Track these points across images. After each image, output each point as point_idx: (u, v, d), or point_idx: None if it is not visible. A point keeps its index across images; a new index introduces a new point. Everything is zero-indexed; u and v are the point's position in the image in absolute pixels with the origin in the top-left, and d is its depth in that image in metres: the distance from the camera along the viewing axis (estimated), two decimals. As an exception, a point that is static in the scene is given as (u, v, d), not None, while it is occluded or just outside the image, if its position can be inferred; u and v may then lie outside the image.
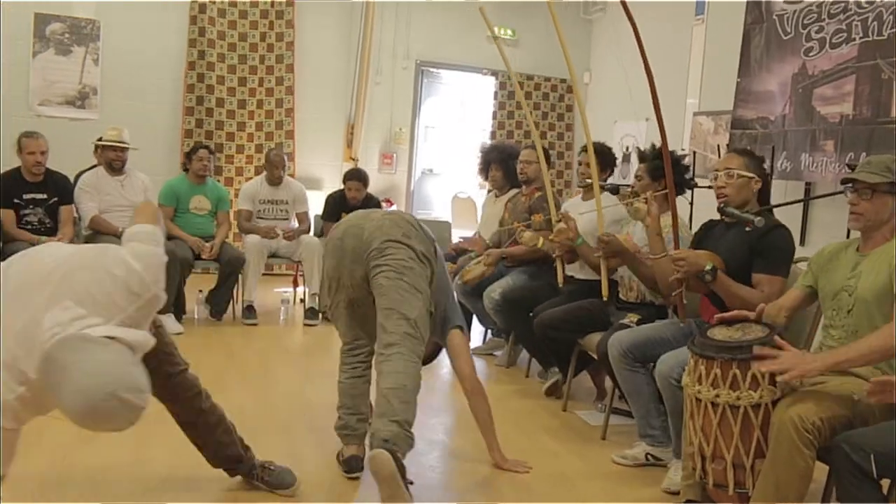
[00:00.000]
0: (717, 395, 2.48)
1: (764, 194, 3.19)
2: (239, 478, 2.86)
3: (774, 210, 3.27)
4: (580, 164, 4.52)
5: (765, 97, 5.99)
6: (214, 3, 7.60)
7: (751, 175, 3.09)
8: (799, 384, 2.51)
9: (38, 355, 1.81)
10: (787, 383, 2.45)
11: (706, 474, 2.59)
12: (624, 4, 3.44)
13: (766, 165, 3.63)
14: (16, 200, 4.91)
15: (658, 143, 3.74)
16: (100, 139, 5.98)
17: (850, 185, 2.63)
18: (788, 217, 4.41)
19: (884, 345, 2.36)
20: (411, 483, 2.73)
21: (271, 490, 2.82)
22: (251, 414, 3.75)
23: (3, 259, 4.49)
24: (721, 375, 2.48)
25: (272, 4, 7.77)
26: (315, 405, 3.96)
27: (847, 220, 2.69)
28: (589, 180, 4.29)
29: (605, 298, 3.78)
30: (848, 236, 3.72)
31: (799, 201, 3.21)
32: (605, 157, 4.45)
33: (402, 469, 2.63)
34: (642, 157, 3.88)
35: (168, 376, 2.58)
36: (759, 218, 2.95)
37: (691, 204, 4.83)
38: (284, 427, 3.62)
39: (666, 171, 3.28)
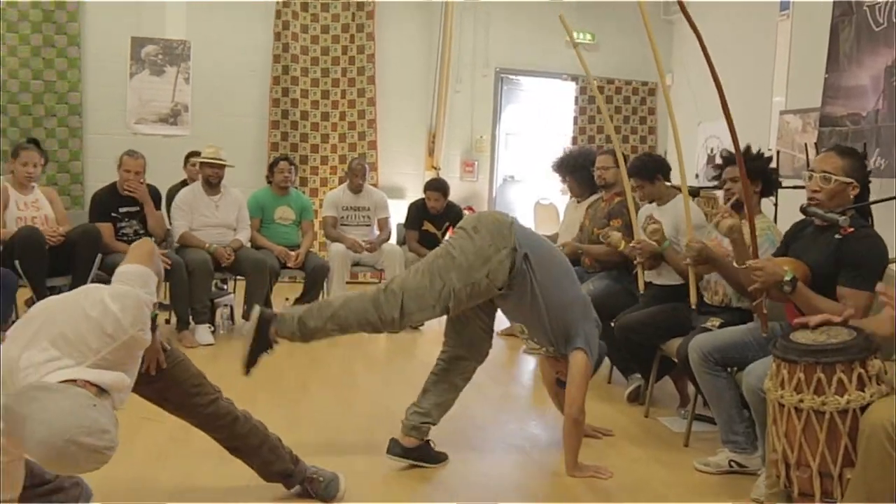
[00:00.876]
0: (801, 400, 2.40)
1: (862, 200, 3.00)
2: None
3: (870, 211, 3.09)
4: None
5: (855, 92, 5.78)
6: (297, 19, 7.82)
7: (849, 180, 2.91)
8: (892, 387, 2.41)
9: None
10: (881, 387, 2.35)
11: (791, 483, 2.50)
12: (682, 6, 3.36)
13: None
14: (112, 214, 5.17)
15: (749, 145, 3.65)
16: (192, 153, 6.24)
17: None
18: (883, 219, 4.25)
19: None
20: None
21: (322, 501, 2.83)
22: (333, 417, 3.84)
23: (103, 269, 4.73)
24: (805, 380, 2.40)
25: (353, 18, 7.94)
26: (395, 410, 4.01)
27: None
28: (668, 184, 4.23)
29: (693, 306, 3.70)
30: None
31: (880, 201, 3.04)
32: (659, 165, 4.37)
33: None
34: (728, 159, 3.76)
35: (198, 408, 2.58)
36: (843, 217, 2.84)
37: (776, 205, 4.69)
38: (366, 429, 3.69)
39: (741, 175, 3.18)
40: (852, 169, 2.94)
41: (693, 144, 7.65)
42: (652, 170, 4.31)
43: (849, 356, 2.35)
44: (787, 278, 2.81)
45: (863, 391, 2.35)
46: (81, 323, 1.97)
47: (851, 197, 2.94)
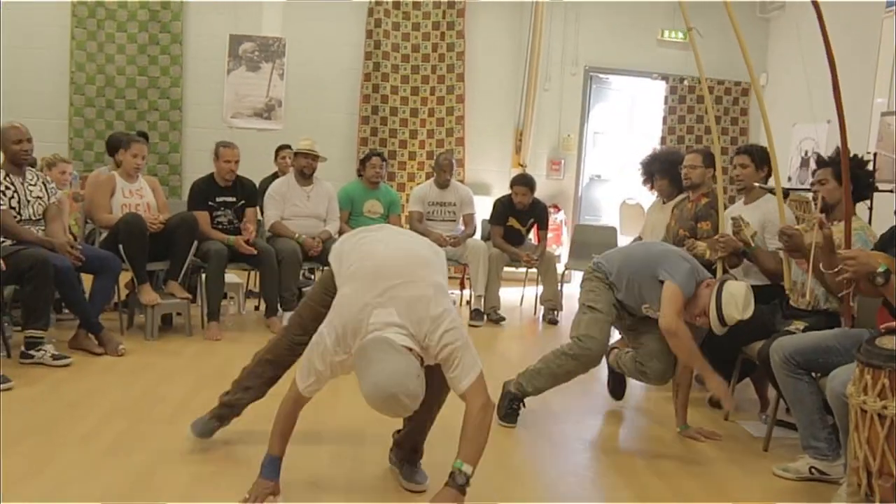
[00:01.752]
0: (885, 407, 2.36)
1: None
2: None
3: None
4: (734, 166, 4.35)
5: (963, 93, 5.52)
6: (389, 17, 7.98)
7: None
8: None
9: (359, 341, 2.37)
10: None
11: (872, 491, 2.46)
12: (815, 4, 3.29)
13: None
14: (209, 203, 5.41)
15: (832, 149, 3.58)
16: (282, 146, 6.46)
17: None
18: None
19: None
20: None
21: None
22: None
23: (199, 255, 4.95)
24: (889, 386, 2.36)
25: (443, 16, 8.04)
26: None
27: None
28: (756, 184, 4.15)
29: (787, 291, 3.65)
30: None
31: None
32: (760, 156, 4.26)
33: None
34: (822, 161, 3.70)
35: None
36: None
37: (870, 209, 4.54)
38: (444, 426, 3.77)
39: (843, 174, 3.12)
40: None
41: (786, 146, 7.44)
42: (764, 156, 4.23)
43: (936, 363, 2.30)
44: (881, 269, 2.74)
45: (950, 399, 2.30)
46: (423, 307, 2.41)
47: None
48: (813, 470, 3.22)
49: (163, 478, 2.90)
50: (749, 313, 3.37)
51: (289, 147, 6.46)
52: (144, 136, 5.68)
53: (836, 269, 3.05)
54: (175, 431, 3.30)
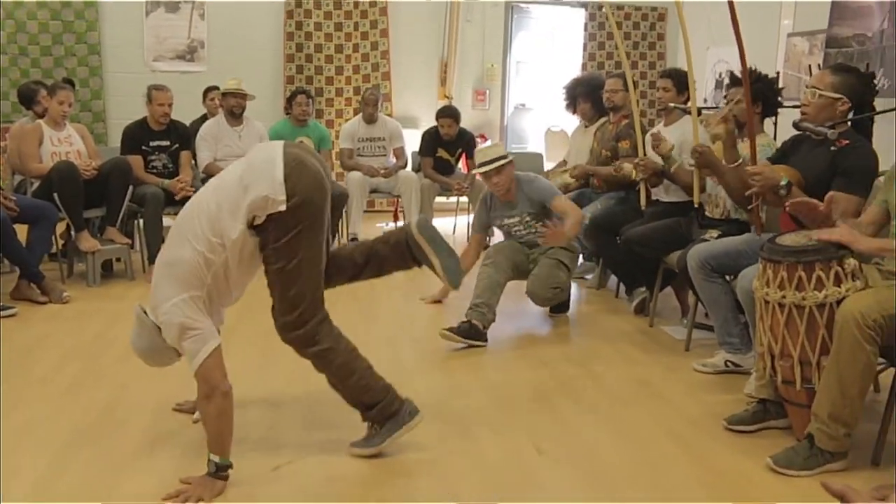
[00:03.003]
0: (784, 297, 2.65)
1: (863, 113, 3.14)
2: None
3: (873, 126, 3.24)
4: (657, 89, 4.60)
5: (862, 12, 5.86)
6: (309, -49, 7.89)
7: (836, 96, 3.05)
8: (866, 283, 2.64)
9: None
10: (856, 283, 2.59)
11: (775, 372, 2.77)
12: None
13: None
14: (143, 147, 5.41)
15: (754, 67, 3.81)
16: (210, 88, 6.45)
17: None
18: (884, 134, 4.41)
19: None
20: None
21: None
22: (361, 330, 4.12)
23: (134, 200, 4.97)
24: (787, 278, 2.64)
25: (363, -51, 7.99)
26: (417, 321, 4.33)
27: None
28: (672, 105, 4.40)
29: (696, 205, 3.94)
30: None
31: (869, 115, 3.21)
32: (681, 81, 4.50)
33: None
34: (735, 80, 3.92)
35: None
36: (832, 131, 3.04)
37: (775, 125, 4.85)
38: (389, 340, 3.99)
39: (744, 89, 3.36)
40: (843, 86, 3.08)
41: (702, 69, 7.73)
42: (685, 81, 4.45)
43: (827, 255, 2.59)
44: (783, 182, 3.02)
45: (839, 287, 2.60)
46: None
47: (840, 111, 3.10)
48: (728, 363, 3.56)
49: (126, 409, 3.05)
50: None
51: (216, 88, 6.44)
52: (70, 82, 5.61)
53: (736, 164, 3.35)
54: (131, 368, 3.42)
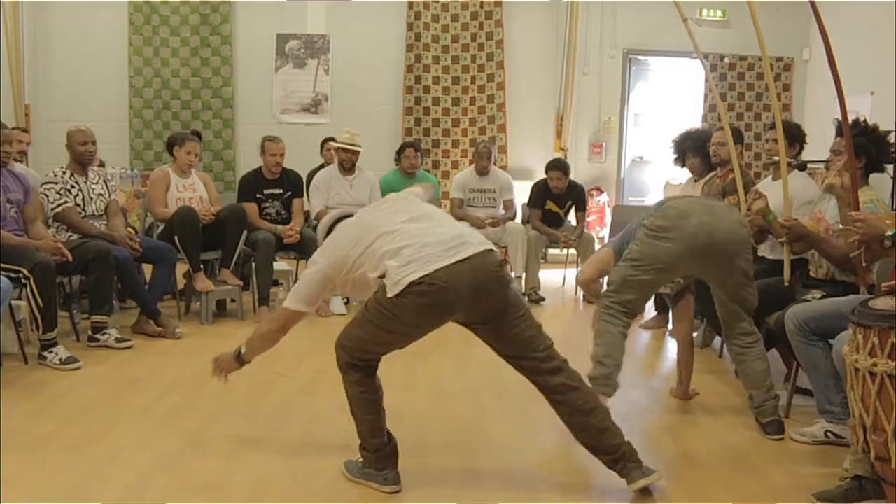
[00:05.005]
0: (875, 364, 2.47)
1: None
2: None
3: None
4: (766, 141, 4.44)
5: None
6: (428, 9, 8.18)
7: None
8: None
9: None
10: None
11: (868, 447, 2.57)
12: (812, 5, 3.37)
13: None
14: (257, 195, 5.71)
15: (881, 119, 3.66)
16: (327, 139, 6.74)
17: None
18: None
19: None
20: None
21: None
22: (448, 379, 4.15)
23: (248, 244, 5.24)
24: (879, 344, 2.46)
25: (482, 6, 8.20)
26: (505, 373, 4.28)
27: None
28: (776, 157, 4.23)
29: (786, 283, 3.74)
30: None
31: None
32: (792, 134, 4.33)
33: None
34: (840, 130, 3.76)
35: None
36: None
37: (893, 179, 4.56)
38: (474, 390, 3.98)
39: (846, 142, 3.21)
40: None
41: (830, 119, 7.38)
42: (797, 133, 4.30)
43: (922, 321, 2.40)
44: (890, 233, 2.82)
45: (937, 356, 2.39)
46: None
47: None
48: (828, 433, 3.32)
49: (212, 440, 3.19)
50: None
51: (333, 139, 6.73)
52: (198, 134, 6.01)
53: (847, 228, 3.15)
54: (224, 402, 3.59)
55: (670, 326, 5.43)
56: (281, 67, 8.20)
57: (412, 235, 2.64)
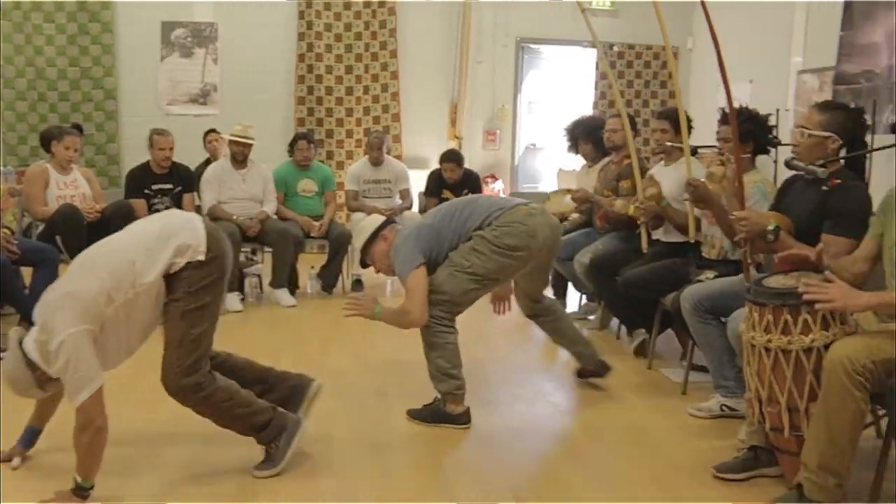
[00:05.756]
0: (770, 341, 2.56)
1: (855, 150, 3.08)
2: None
3: (873, 163, 3.16)
4: (654, 130, 4.57)
5: (870, 49, 5.80)
6: (320, -4, 8.02)
7: (826, 134, 2.99)
8: (856, 327, 2.56)
9: None
10: (844, 327, 2.51)
11: (764, 418, 2.68)
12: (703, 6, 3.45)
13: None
14: (146, 191, 5.47)
15: (759, 105, 3.80)
16: (210, 130, 6.54)
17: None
18: (884, 171, 4.33)
19: None
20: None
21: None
22: (352, 376, 4.08)
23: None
24: (773, 321, 2.56)
25: (374, -6, 8.11)
26: (410, 369, 4.26)
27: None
28: (669, 143, 4.36)
29: (691, 240, 3.86)
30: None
31: (856, 154, 3.14)
32: (678, 121, 4.45)
33: None
34: (725, 119, 3.89)
35: None
36: (823, 169, 2.97)
37: (775, 162, 4.79)
38: (379, 387, 3.93)
39: (731, 129, 3.32)
40: (832, 123, 3.02)
41: (713, 107, 7.67)
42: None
43: (812, 298, 2.50)
44: (771, 228, 2.95)
45: (826, 331, 2.51)
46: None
47: (830, 149, 3.03)
48: (723, 407, 3.46)
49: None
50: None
51: (215, 131, 6.53)
52: (79, 127, 5.69)
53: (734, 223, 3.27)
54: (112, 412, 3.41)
55: (568, 310, 5.54)
56: (167, 57, 7.87)
57: None
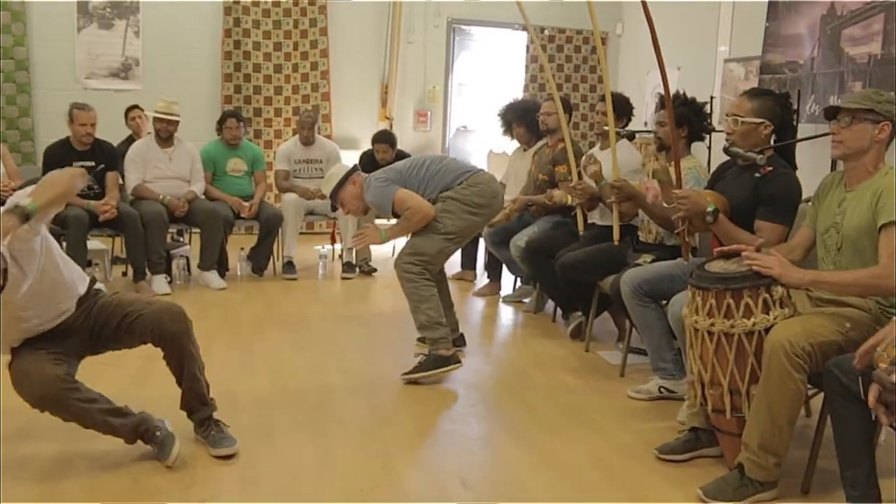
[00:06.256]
0: (713, 324, 2.61)
1: (785, 135, 3.17)
2: None
3: (798, 151, 3.25)
4: (597, 113, 4.61)
5: (794, 41, 5.96)
6: (247, -30, 7.77)
7: (758, 121, 3.06)
8: (794, 311, 2.63)
9: None
10: (784, 311, 2.57)
11: (706, 400, 2.73)
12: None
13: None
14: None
15: (687, 92, 3.86)
16: (132, 107, 6.28)
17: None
18: (816, 160, 4.46)
19: (867, 282, 2.47)
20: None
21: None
22: (287, 358, 4.00)
23: (57, 222, 4.79)
24: (716, 305, 2.60)
25: (303, -31, 7.91)
26: (347, 349, 4.20)
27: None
28: (606, 128, 4.39)
29: (616, 243, 3.91)
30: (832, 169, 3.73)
31: (791, 143, 3.23)
32: (621, 107, 4.52)
33: None
34: (663, 103, 3.94)
35: None
36: (761, 156, 3.03)
37: (709, 148, 4.89)
38: (317, 368, 3.86)
39: (668, 113, 3.37)
40: (762, 110, 3.08)
41: (642, 93, 7.81)
42: (625, 106, 4.50)
43: (755, 282, 2.56)
44: (710, 209, 2.99)
45: (767, 314, 2.57)
46: None
47: (764, 135, 3.09)
48: (662, 389, 3.52)
49: (38, 442, 2.87)
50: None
51: (138, 107, 6.28)
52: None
53: (671, 206, 3.33)
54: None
55: (503, 293, 5.57)
56: (84, 28, 7.49)
57: None
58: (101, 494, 2.49)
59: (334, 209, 4.04)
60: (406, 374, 3.70)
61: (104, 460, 2.72)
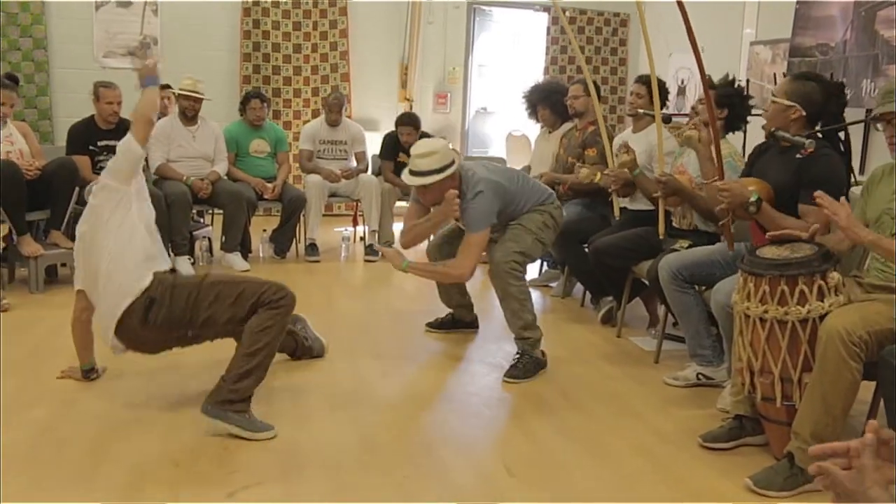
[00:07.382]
0: (766, 311, 2.56)
1: (816, 122, 3.07)
2: None
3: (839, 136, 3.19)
4: (631, 94, 4.52)
5: (825, 23, 5.86)
6: (266, -51, 7.68)
7: (788, 103, 2.99)
8: (848, 296, 2.57)
9: None
10: (839, 298, 2.52)
11: (755, 388, 2.68)
12: None
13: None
14: (91, 147, 5.16)
15: (730, 74, 3.79)
16: (162, 86, 6.19)
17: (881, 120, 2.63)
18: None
19: None
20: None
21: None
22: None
23: (81, 202, 4.75)
24: (769, 292, 2.55)
25: (323, -52, 7.81)
26: (375, 331, 4.16)
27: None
28: (641, 111, 4.32)
29: (661, 237, 3.83)
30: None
31: (835, 128, 3.15)
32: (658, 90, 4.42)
33: None
34: (713, 85, 3.84)
35: None
36: (809, 141, 2.96)
37: (744, 133, 4.80)
38: (348, 352, 3.82)
39: (706, 101, 3.29)
40: (796, 94, 3.02)
41: (664, 76, 7.66)
42: (659, 89, 4.39)
43: (810, 269, 2.51)
44: (753, 199, 2.93)
45: (822, 301, 2.51)
46: None
47: (791, 119, 3.02)
48: (700, 376, 3.47)
49: (69, 428, 2.84)
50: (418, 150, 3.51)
51: (169, 86, 6.20)
52: (13, 78, 5.31)
53: (712, 181, 3.26)
54: (77, 384, 3.22)
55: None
56: (102, 6, 7.41)
57: None
58: (145, 480, 2.46)
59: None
60: (510, 378, 3.52)
61: (147, 447, 2.69)
